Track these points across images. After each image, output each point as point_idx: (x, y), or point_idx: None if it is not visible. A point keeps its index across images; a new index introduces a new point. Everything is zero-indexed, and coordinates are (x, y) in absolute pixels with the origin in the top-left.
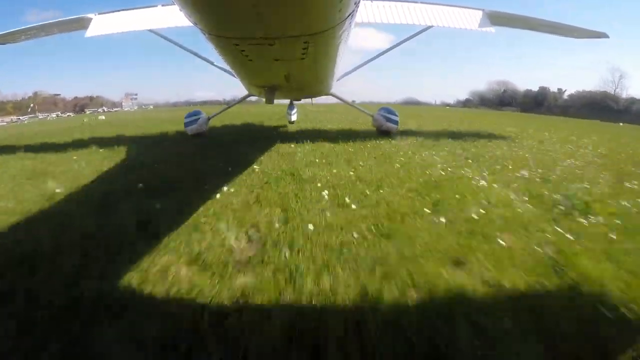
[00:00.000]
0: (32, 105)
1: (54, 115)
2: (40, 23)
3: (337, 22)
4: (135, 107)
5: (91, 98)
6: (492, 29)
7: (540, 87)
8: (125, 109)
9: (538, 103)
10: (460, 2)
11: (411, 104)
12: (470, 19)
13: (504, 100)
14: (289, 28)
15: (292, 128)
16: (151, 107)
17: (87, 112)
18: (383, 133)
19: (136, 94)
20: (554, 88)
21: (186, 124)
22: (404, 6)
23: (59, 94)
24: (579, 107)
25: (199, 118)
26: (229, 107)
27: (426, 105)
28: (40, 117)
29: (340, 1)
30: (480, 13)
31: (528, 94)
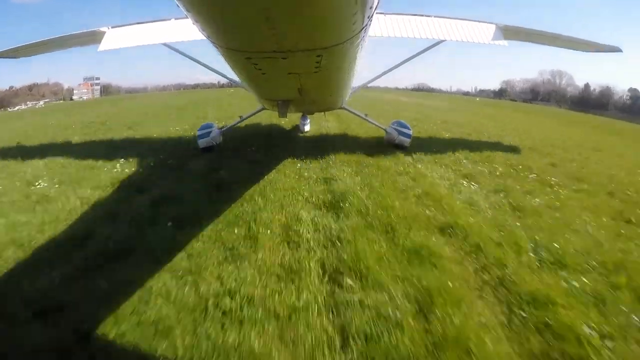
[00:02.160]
0: None
1: None
2: (52, 37)
3: (350, 35)
4: (98, 96)
5: (31, 87)
6: (505, 43)
7: None
8: (76, 98)
9: None
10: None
11: (423, 90)
12: (482, 33)
13: (587, 101)
14: (302, 41)
15: None
16: (84, 98)
17: None
18: (396, 147)
19: (98, 78)
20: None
21: (199, 137)
22: (417, 20)
23: None
24: None
25: (211, 131)
26: (241, 120)
27: (439, 92)
28: None
29: (354, 15)
30: (493, 27)
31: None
